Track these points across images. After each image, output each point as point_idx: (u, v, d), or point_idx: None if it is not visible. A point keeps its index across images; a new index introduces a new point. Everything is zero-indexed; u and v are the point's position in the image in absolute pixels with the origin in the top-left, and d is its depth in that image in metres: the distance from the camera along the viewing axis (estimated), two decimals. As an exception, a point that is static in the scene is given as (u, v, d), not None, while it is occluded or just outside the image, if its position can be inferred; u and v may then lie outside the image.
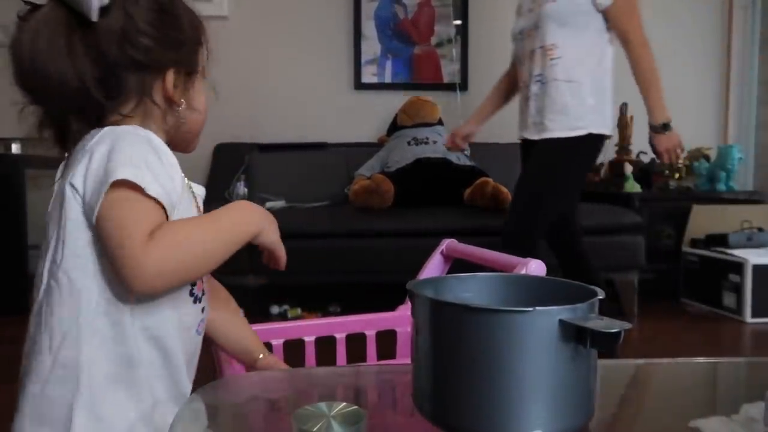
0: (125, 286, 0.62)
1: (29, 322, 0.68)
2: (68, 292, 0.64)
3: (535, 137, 2.02)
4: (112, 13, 0.64)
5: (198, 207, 0.76)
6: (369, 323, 1.16)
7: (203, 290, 0.75)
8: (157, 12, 0.68)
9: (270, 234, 0.77)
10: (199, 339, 0.77)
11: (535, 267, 0.92)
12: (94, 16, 0.63)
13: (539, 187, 1.98)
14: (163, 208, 0.63)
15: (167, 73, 0.70)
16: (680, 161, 2.03)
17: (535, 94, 2.00)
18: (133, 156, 0.62)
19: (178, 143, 0.75)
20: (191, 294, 0.72)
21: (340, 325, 1.16)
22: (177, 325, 0.70)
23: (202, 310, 0.76)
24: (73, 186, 0.63)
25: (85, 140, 0.67)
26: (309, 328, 1.14)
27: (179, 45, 0.71)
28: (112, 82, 0.66)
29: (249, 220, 0.73)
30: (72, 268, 0.64)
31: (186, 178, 0.72)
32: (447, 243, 1.21)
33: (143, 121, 0.70)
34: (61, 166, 0.72)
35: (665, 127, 2.02)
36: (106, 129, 0.66)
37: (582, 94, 1.95)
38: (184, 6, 0.73)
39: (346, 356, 1.14)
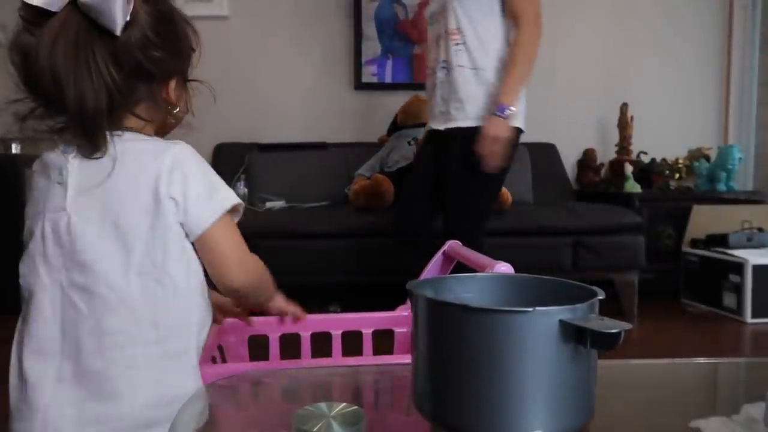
0: (226, 283, 0.77)
1: (105, 317, 0.70)
2: (172, 293, 0.72)
3: (441, 127, 1.91)
4: (131, 27, 0.68)
5: None
6: (366, 321, 1.16)
7: None
8: (164, 25, 0.72)
9: (279, 302, 0.98)
10: None
11: (505, 270, 0.92)
12: (119, 31, 0.66)
13: (466, 189, 1.85)
14: None
15: (171, 81, 0.76)
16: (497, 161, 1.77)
17: (440, 81, 1.89)
18: (220, 178, 0.77)
19: None
20: None
21: (336, 322, 1.16)
22: None
23: None
24: (173, 199, 0.71)
25: (137, 152, 0.71)
26: (305, 323, 1.14)
27: (180, 55, 0.76)
28: (127, 89, 0.70)
29: (272, 289, 0.92)
30: (173, 270, 0.72)
31: None
32: (450, 244, 1.20)
33: (156, 125, 0.77)
34: (76, 166, 0.71)
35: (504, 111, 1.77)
36: (179, 147, 0.73)
37: (487, 82, 1.82)
38: (180, 15, 0.77)
39: (343, 354, 1.14)
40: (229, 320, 1.12)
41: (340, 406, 0.56)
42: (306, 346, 1.12)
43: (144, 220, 0.70)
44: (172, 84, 0.76)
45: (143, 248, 0.70)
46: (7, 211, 2.76)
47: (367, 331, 1.16)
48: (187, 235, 0.73)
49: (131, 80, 0.70)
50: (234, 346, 1.10)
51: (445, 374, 0.54)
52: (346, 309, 2.66)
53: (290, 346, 1.12)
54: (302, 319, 1.05)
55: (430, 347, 0.55)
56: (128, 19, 0.66)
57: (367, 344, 1.16)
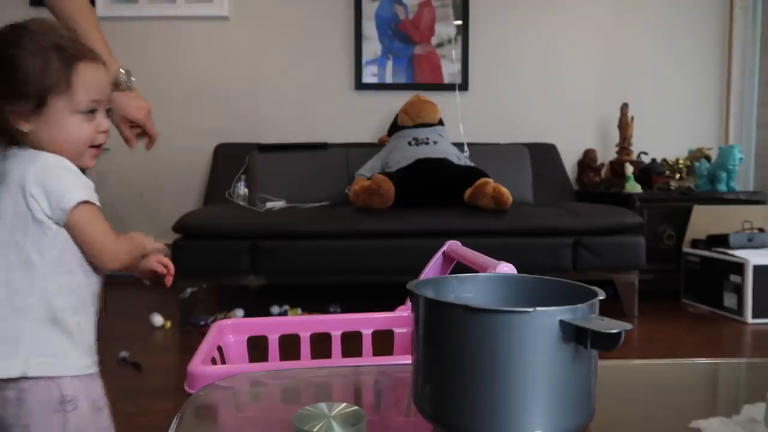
0: (99, 266, 0.94)
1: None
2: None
3: None
4: None
5: None
6: (366, 322, 1.16)
7: None
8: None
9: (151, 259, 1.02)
10: None
11: (507, 270, 0.92)
12: None
13: None
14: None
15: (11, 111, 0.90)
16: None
17: None
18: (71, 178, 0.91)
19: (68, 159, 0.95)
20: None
21: (336, 323, 1.16)
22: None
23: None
24: (34, 198, 0.88)
25: (14, 164, 0.90)
26: (305, 324, 1.14)
27: (15, 93, 0.90)
28: None
29: (140, 250, 1.00)
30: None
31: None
32: (449, 244, 1.20)
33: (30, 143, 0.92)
34: None
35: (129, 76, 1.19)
36: (42, 161, 0.89)
37: None
38: (44, 57, 0.90)
39: (342, 354, 1.14)
40: (229, 321, 1.12)
41: (341, 407, 0.56)
42: (305, 346, 1.12)
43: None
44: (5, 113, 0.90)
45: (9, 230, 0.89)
46: None
47: (366, 332, 1.16)
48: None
49: None
50: (233, 347, 1.10)
51: (445, 375, 0.54)
52: (346, 310, 2.66)
53: (290, 346, 1.12)
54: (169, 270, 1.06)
55: (431, 347, 0.55)
56: None
57: (367, 345, 1.16)
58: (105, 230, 0.93)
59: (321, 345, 1.14)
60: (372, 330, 1.16)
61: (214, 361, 0.99)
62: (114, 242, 0.94)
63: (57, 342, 0.90)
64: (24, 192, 0.88)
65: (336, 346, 1.14)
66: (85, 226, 0.91)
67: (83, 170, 0.97)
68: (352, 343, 1.15)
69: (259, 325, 1.13)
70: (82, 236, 0.91)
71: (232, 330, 1.10)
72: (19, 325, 0.87)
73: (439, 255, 1.21)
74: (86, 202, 0.90)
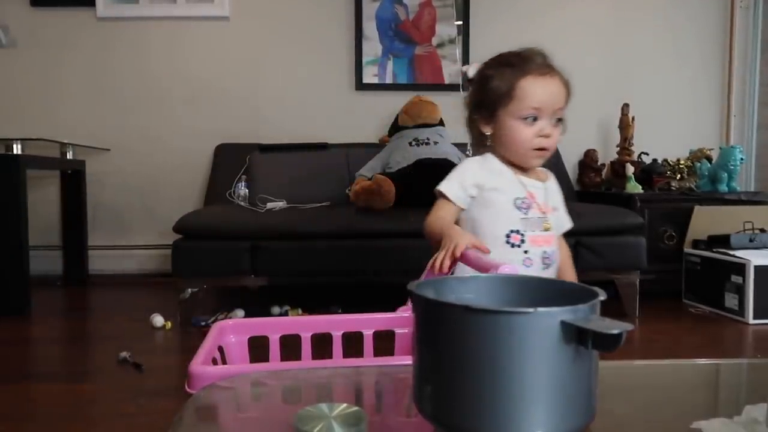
0: None
1: None
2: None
3: None
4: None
5: (528, 192, 1.25)
6: (366, 323, 1.16)
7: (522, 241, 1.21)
8: (477, 84, 1.21)
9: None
10: None
11: (509, 271, 0.92)
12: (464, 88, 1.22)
13: None
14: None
15: (477, 117, 1.21)
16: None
17: None
18: (456, 174, 1.27)
19: (512, 159, 1.20)
20: (507, 242, 1.22)
21: (337, 323, 1.16)
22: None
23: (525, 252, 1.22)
24: None
25: None
26: (306, 324, 1.14)
27: (480, 103, 1.17)
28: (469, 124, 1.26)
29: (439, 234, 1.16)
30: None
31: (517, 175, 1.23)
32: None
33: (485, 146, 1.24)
34: None
35: None
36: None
37: None
38: (499, 74, 1.16)
39: (343, 355, 1.14)
40: (230, 321, 1.12)
41: (341, 407, 0.56)
42: (306, 346, 1.12)
43: None
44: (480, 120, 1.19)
45: None
46: (8, 211, 2.76)
47: (367, 332, 1.16)
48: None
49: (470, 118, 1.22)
50: (234, 347, 1.10)
51: (446, 375, 0.54)
52: (347, 310, 2.66)
53: (291, 346, 1.12)
54: (485, 251, 1.12)
55: (431, 348, 0.55)
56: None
57: (368, 345, 1.16)
58: (435, 214, 1.20)
59: (322, 345, 1.14)
60: (373, 330, 1.16)
61: (214, 362, 0.99)
62: (431, 227, 1.18)
63: None
64: None
65: (337, 347, 1.14)
66: (434, 209, 1.20)
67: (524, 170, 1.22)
68: (353, 343, 1.15)
69: (259, 325, 1.13)
70: None
71: (232, 330, 1.10)
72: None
73: (439, 255, 1.21)
74: (440, 192, 1.19)
